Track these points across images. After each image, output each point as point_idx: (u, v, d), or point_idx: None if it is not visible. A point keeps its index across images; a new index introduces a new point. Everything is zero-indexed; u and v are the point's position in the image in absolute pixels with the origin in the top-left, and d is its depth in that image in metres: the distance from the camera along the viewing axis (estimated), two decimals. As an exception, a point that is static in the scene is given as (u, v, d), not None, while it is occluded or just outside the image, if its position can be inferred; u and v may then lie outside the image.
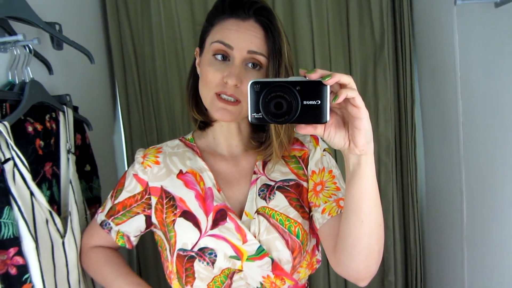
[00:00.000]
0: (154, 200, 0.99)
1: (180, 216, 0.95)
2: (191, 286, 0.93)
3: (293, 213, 0.95)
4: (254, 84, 0.66)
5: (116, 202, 1.03)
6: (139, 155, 1.04)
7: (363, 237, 0.77)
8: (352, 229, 0.77)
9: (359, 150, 0.69)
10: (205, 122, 1.02)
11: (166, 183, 0.99)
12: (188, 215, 0.95)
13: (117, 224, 1.03)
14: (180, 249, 0.92)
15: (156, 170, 1.01)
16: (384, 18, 1.68)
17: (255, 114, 0.67)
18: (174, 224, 0.95)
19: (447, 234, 1.57)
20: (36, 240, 0.95)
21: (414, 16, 1.69)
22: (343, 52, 1.76)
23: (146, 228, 1.03)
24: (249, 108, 0.67)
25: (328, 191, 0.94)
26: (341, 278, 1.86)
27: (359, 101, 0.65)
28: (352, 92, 0.65)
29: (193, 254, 0.91)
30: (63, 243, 1.06)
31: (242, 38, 0.88)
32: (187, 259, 0.91)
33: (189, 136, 1.08)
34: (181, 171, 1.00)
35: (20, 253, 0.92)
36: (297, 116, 0.65)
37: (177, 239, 0.93)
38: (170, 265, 0.95)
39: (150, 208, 1.00)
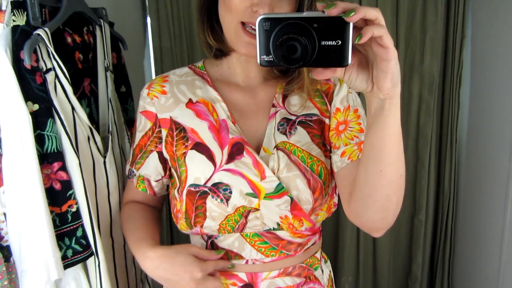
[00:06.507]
0: (164, 133, 0.90)
1: (192, 149, 0.86)
2: (201, 226, 0.85)
3: (315, 151, 0.86)
4: (264, 21, 0.55)
5: (134, 146, 0.95)
6: (143, 89, 0.94)
7: (380, 188, 0.70)
8: (370, 179, 0.71)
9: (384, 94, 0.60)
10: (222, 50, 0.89)
11: (175, 113, 0.89)
12: (201, 147, 0.85)
13: (137, 169, 0.95)
14: (191, 185, 0.83)
15: (164, 100, 0.90)
16: None
17: (264, 56, 0.57)
18: (185, 158, 0.86)
19: (488, 175, 1.52)
20: (78, 157, 0.92)
21: None
22: (391, -22, 1.63)
23: (164, 169, 0.94)
24: (257, 49, 0.57)
25: (351, 132, 0.86)
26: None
27: (387, 40, 0.55)
28: (379, 30, 0.54)
29: (206, 189, 0.83)
30: (104, 162, 1.03)
31: None
32: (198, 196, 0.83)
33: (199, 64, 0.96)
34: (190, 100, 0.90)
35: (64, 168, 0.89)
36: (314, 59, 0.55)
37: (188, 174, 0.84)
38: (179, 203, 0.87)
39: (161, 143, 0.91)
